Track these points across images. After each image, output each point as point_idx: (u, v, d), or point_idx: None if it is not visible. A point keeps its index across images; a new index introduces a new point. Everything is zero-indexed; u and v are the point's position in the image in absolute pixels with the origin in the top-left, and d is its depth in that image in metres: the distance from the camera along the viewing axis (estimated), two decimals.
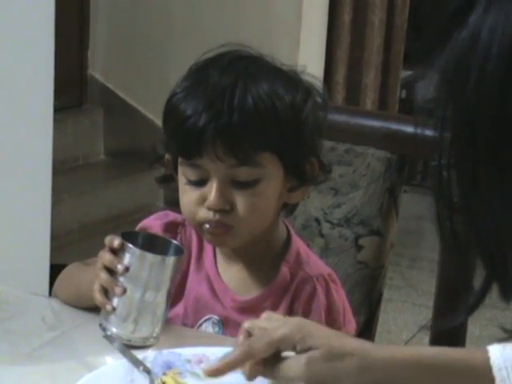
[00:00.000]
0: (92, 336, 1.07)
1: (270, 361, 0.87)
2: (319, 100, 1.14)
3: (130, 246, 1.03)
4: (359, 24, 3.38)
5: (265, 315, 0.91)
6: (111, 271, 1.04)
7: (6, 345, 1.05)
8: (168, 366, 0.99)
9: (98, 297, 1.05)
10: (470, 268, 1.34)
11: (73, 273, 1.18)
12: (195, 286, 1.17)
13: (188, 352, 1.01)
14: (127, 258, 1.03)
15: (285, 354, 0.88)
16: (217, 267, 1.17)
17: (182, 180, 1.12)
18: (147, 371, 0.97)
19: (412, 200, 4.59)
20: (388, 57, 3.50)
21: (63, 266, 1.23)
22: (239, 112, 1.06)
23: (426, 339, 1.41)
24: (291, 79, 1.12)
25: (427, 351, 0.91)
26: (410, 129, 1.37)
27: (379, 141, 1.37)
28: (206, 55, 1.12)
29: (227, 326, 1.14)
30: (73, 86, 3.51)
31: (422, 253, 3.56)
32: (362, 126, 1.40)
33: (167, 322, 1.09)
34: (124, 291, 1.03)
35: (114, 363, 0.99)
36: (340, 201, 1.39)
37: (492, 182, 0.67)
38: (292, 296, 1.13)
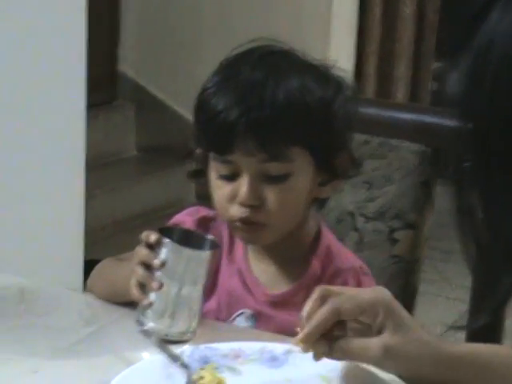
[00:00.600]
0: (129, 331, 1.07)
1: (335, 340, 0.87)
2: (349, 94, 1.13)
3: (167, 240, 1.04)
4: (390, 16, 3.35)
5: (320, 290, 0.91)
6: (148, 266, 1.04)
7: (43, 340, 1.05)
8: (205, 361, 1.00)
9: (135, 292, 1.05)
10: (495, 271, 1.33)
11: (107, 268, 1.19)
12: (227, 279, 1.18)
13: (225, 347, 1.02)
14: (164, 253, 1.04)
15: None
16: (248, 261, 1.17)
17: (213, 175, 1.12)
18: (184, 366, 0.97)
19: (445, 192, 4.55)
20: (419, 48, 3.47)
21: (96, 261, 1.23)
22: (270, 106, 1.06)
23: (460, 333, 1.40)
24: (322, 74, 1.12)
25: (483, 349, 0.93)
26: (443, 121, 1.36)
27: (413, 134, 1.37)
28: (237, 50, 1.13)
29: (260, 320, 1.15)
30: (104, 83, 3.53)
31: (456, 246, 3.52)
32: (396, 118, 1.39)
33: (202, 317, 1.10)
34: (161, 286, 1.03)
35: (151, 358, 0.99)
36: (374, 194, 1.39)
37: (510, 189, 0.67)
38: None
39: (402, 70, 3.40)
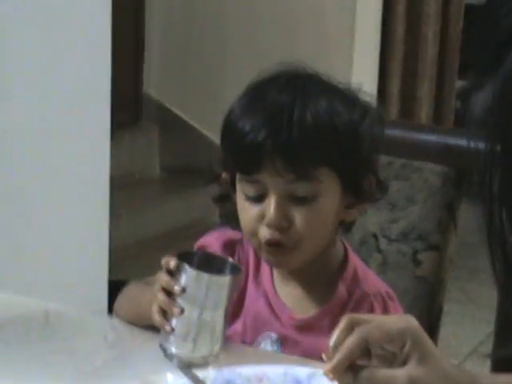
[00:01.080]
0: (153, 354, 1.07)
1: (360, 370, 0.87)
2: (375, 117, 1.14)
3: (186, 266, 1.04)
4: (413, 36, 3.36)
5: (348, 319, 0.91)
6: (169, 292, 1.05)
7: (69, 364, 1.06)
8: None
9: (157, 318, 1.05)
10: None
11: (132, 292, 1.19)
12: (253, 302, 1.18)
13: (248, 371, 1.02)
14: (184, 279, 1.04)
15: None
16: (274, 284, 1.17)
17: (240, 197, 1.12)
18: None
19: (470, 211, 4.52)
20: (442, 68, 3.47)
21: (121, 282, 1.24)
22: (298, 127, 1.07)
23: (487, 352, 1.39)
24: (348, 97, 1.12)
25: (504, 380, 0.92)
26: (466, 142, 1.35)
27: (436, 155, 1.37)
28: (263, 74, 1.13)
29: (286, 344, 1.14)
30: (129, 104, 3.55)
31: (481, 265, 3.51)
32: (418, 140, 1.39)
33: (226, 340, 1.10)
34: (182, 312, 1.03)
35: (175, 382, 0.99)
36: (397, 216, 1.39)
37: None
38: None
39: (426, 90, 3.40)
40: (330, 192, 1.10)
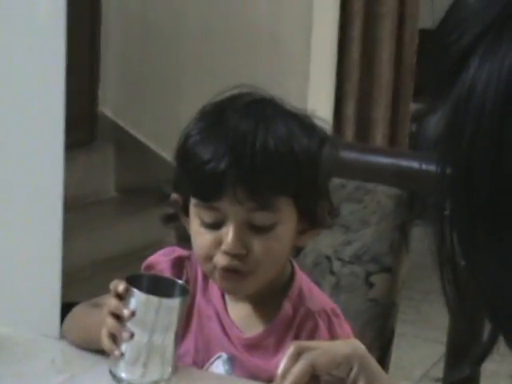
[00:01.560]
0: (101, 379, 1.06)
1: None
2: (331, 144, 1.14)
3: (135, 290, 1.03)
4: (368, 59, 3.39)
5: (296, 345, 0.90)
6: (118, 316, 1.03)
7: None
8: None
9: (106, 342, 1.04)
10: (477, 319, 1.33)
11: (81, 315, 1.18)
12: (205, 321, 1.17)
13: None
14: (133, 303, 1.03)
15: None
16: (224, 302, 1.16)
17: (195, 222, 1.11)
18: None
19: (424, 233, 4.56)
20: (398, 91, 3.50)
21: (73, 304, 1.22)
22: (261, 156, 1.06)
23: (440, 374, 1.40)
24: (306, 123, 1.13)
25: None
26: (419, 165, 1.36)
27: (389, 178, 1.37)
28: (218, 96, 1.12)
29: (236, 364, 1.13)
30: (83, 123, 3.52)
31: (436, 287, 3.53)
32: (372, 163, 1.40)
33: (178, 361, 1.08)
34: (131, 336, 1.02)
35: None
36: (350, 238, 1.39)
37: (490, 239, 0.67)
38: (295, 332, 1.12)
39: (381, 113, 3.43)
40: (287, 220, 1.09)
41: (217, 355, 1.15)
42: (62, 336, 1.19)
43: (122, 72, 3.59)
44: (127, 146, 3.55)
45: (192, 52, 3.45)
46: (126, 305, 1.03)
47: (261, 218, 1.08)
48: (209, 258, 1.10)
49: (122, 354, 1.03)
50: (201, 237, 1.10)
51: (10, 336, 1.18)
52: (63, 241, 2.32)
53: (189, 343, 1.17)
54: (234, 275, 1.09)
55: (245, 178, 1.05)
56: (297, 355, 0.88)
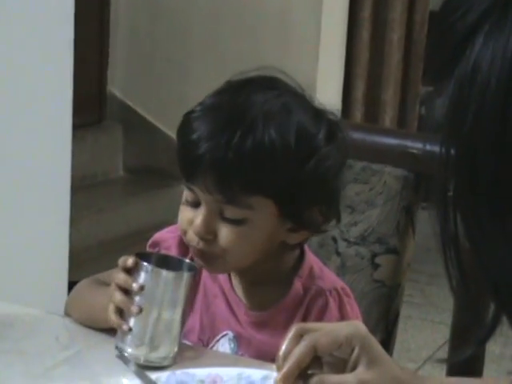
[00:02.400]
0: (106, 356, 1.06)
1: (309, 377, 0.87)
2: (331, 152, 1.09)
3: (145, 263, 1.03)
4: (378, 41, 3.37)
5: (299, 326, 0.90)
6: (126, 291, 1.04)
7: (19, 365, 1.04)
8: None
9: (114, 318, 1.04)
10: (480, 300, 1.33)
11: (85, 293, 1.17)
12: (211, 299, 1.17)
13: (202, 372, 1.01)
14: (142, 277, 1.03)
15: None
16: (231, 280, 1.16)
17: (183, 197, 1.12)
18: None
19: (431, 216, 4.55)
20: (407, 73, 3.49)
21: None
22: (235, 151, 1.03)
23: (446, 357, 1.40)
24: (310, 126, 1.07)
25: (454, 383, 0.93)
26: (426, 146, 1.36)
27: (396, 159, 1.37)
28: (239, 76, 1.09)
29: (241, 342, 1.14)
30: (92, 103, 3.52)
31: (442, 270, 3.52)
32: (379, 143, 1.39)
33: (183, 338, 1.09)
34: (140, 310, 1.02)
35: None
36: (356, 219, 1.38)
37: (494, 218, 0.66)
38: (305, 310, 1.12)
39: (390, 95, 3.41)
40: (262, 218, 1.07)
41: (223, 333, 1.15)
42: (65, 313, 1.19)
43: (131, 52, 3.58)
44: (135, 126, 3.55)
45: (201, 33, 3.44)
46: (135, 279, 1.03)
47: (230, 211, 1.06)
48: (185, 233, 1.11)
49: (130, 329, 1.03)
50: (181, 212, 1.11)
51: (17, 313, 1.18)
52: (71, 220, 2.33)
53: (194, 321, 1.17)
54: (203, 255, 1.09)
55: (216, 169, 1.04)
56: (298, 337, 0.88)
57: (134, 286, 1.03)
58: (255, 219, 1.06)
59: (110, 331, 1.13)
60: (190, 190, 1.08)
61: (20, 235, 2.18)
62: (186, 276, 1.04)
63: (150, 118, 3.52)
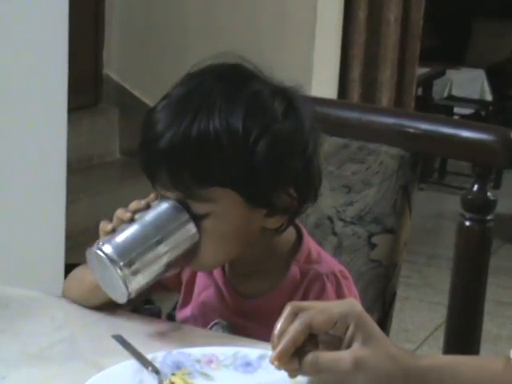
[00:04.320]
0: (101, 336, 1.06)
1: (304, 355, 0.87)
2: (289, 130, 1.06)
3: (169, 198, 1.04)
4: (374, 21, 3.36)
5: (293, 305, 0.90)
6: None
7: (14, 345, 1.04)
8: (177, 367, 0.98)
9: (102, 222, 1.06)
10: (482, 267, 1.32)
11: (81, 273, 1.17)
12: (202, 291, 1.17)
13: (198, 352, 1.00)
14: (162, 205, 1.04)
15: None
16: (224, 272, 1.16)
17: None
18: (156, 371, 0.96)
19: (429, 197, 4.56)
20: (404, 54, 3.47)
21: (78, 265, 1.22)
22: (182, 143, 1.02)
23: (443, 338, 1.40)
24: (263, 107, 1.05)
25: (451, 361, 0.93)
26: (423, 125, 1.35)
27: (392, 138, 1.36)
28: (200, 64, 1.08)
29: (236, 331, 1.13)
30: (88, 85, 3.51)
31: (439, 251, 3.54)
32: (375, 122, 1.39)
33: (177, 324, 1.09)
34: (131, 219, 1.03)
35: (122, 363, 0.98)
36: (353, 199, 1.38)
37: None
38: (302, 294, 1.12)
39: (387, 76, 3.40)
40: (227, 209, 1.05)
41: (214, 321, 1.15)
42: (62, 295, 1.19)
43: (127, 34, 3.57)
44: (132, 109, 3.53)
45: (197, 14, 3.42)
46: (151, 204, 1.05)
47: (192, 206, 1.04)
48: None
49: (113, 231, 1.04)
50: None
51: (12, 294, 1.18)
52: (67, 203, 2.32)
53: (186, 312, 1.17)
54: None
55: (167, 163, 1.02)
56: (293, 315, 0.88)
57: (143, 202, 1.04)
58: (220, 211, 1.04)
59: (105, 311, 1.13)
60: (155, 189, 1.07)
61: (16, 218, 2.17)
62: (196, 232, 1.04)
63: (146, 100, 3.51)
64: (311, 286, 1.12)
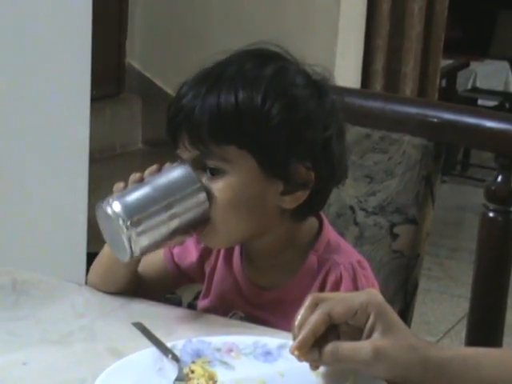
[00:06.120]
0: (121, 324, 1.06)
1: (324, 345, 0.87)
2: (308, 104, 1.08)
3: (184, 165, 1.05)
4: (398, 12, 3.33)
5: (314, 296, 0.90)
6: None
7: (35, 332, 1.04)
8: (197, 355, 0.98)
9: (117, 183, 1.08)
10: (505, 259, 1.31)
11: (100, 257, 1.18)
12: (221, 282, 1.17)
13: (218, 340, 1.00)
14: (175, 171, 1.06)
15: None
16: (243, 265, 1.15)
17: None
18: (176, 359, 0.96)
19: (452, 190, 4.54)
20: (428, 45, 3.45)
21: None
22: (201, 102, 1.05)
23: (465, 331, 1.39)
24: (281, 83, 1.07)
25: (471, 353, 0.92)
26: (446, 115, 1.34)
27: (415, 128, 1.35)
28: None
29: (253, 322, 1.13)
30: (111, 75, 3.52)
31: (462, 243, 3.52)
32: (398, 112, 1.37)
33: (198, 312, 1.08)
34: (141, 179, 1.05)
35: (142, 351, 0.98)
36: (375, 189, 1.37)
37: None
38: (320, 284, 1.11)
39: (410, 67, 3.38)
40: (242, 172, 1.06)
41: (231, 313, 1.15)
42: (87, 284, 1.19)
43: (150, 24, 3.57)
44: (154, 98, 3.54)
45: (220, 4, 3.41)
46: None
47: (209, 165, 1.07)
48: None
49: (125, 188, 1.06)
50: None
51: (33, 281, 1.18)
52: (90, 192, 2.33)
53: (206, 302, 1.18)
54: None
55: (186, 121, 1.06)
56: (314, 306, 0.88)
57: (155, 166, 1.07)
58: (235, 172, 1.06)
59: (126, 299, 1.13)
60: (178, 156, 1.09)
61: (39, 206, 2.18)
62: (207, 203, 1.04)
63: (168, 89, 3.51)
64: (328, 276, 1.11)
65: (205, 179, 1.07)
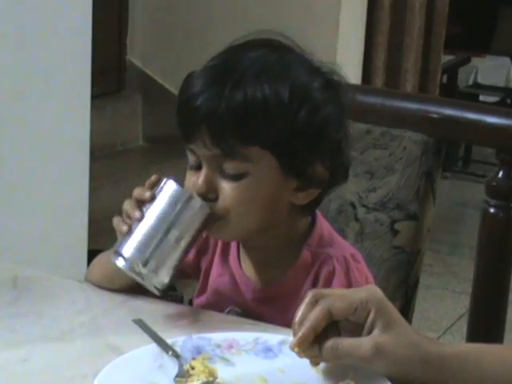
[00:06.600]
0: (122, 320, 1.06)
1: (325, 341, 0.87)
2: (331, 105, 1.08)
3: (170, 180, 1.04)
4: (399, 8, 3.33)
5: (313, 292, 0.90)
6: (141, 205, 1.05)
7: (36, 328, 1.04)
8: (198, 351, 0.98)
9: (115, 220, 1.05)
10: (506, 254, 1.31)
11: (107, 258, 1.18)
12: (217, 279, 1.17)
13: (218, 337, 1.00)
14: (163, 192, 1.04)
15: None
16: (239, 261, 1.15)
17: (188, 164, 1.11)
18: (176, 356, 0.96)
19: (453, 186, 4.54)
20: (429, 41, 3.45)
21: (100, 252, 1.23)
22: (227, 102, 1.03)
23: (466, 327, 1.39)
24: (306, 77, 1.07)
25: (472, 349, 0.92)
26: (447, 111, 1.34)
27: (416, 123, 1.35)
28: (244, 38, 1.10)
29: (249, 318, 1.13)
30: (112, 72, 3.52)
31: (463, 240, 3.52)
32: (399, 108, 1.37)
33: (198, 309, 1.08)
34: (142, 216, 1.03)
35: (143, 348, 0.98)
36: (376, 185, 1.37)
37: None
38: (313, 278, 1.11)
39: (411, 63, 3.38)
40: (263, 172, 1.06)
41: (228, 309, 1.15)
42: (85, 279, 1.19)
43: (151, 21, 3.56)
44: (155, 96, 3.54)
45: (221, 1, 3.41)
46: (155, 193, 1.04)
47: (229, 165, 1.05)
48: None
49: (129, 231, 1.03)
50: (187, 179, 1.10)
51: (35, 277, 1.19)
52: (90, 189, 2.33)
53: (203, 299, 1.18)
54: (210, 217, 1.07)
55: (209, 120, 1.03)
56: (314, 302, 0.88)
57: (147, 193, 1.04)
58: (255, 172, 1.05)
59: (126, 295, 1.13)
60: (191, 151, 1.07)
61: (40, 203, 2.18)
62: (206, 206, 1.04)
63: (169, 86, 3.51)
64: (321, 269, 1.11)
65: (221, 181, 1.06)
